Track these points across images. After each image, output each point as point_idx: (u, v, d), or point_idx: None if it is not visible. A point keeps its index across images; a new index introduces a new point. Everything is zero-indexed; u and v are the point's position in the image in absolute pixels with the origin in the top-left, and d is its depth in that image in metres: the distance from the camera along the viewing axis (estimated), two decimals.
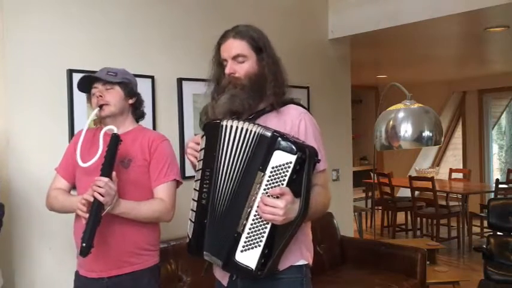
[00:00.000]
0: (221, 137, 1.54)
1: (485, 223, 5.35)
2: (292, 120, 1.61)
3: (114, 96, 2.01)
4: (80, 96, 2.60)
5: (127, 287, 1.98)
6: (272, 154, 1.42)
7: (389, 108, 2.47)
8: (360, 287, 3.37)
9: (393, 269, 3.54)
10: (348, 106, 4.54)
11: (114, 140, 1.87)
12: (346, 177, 4.43)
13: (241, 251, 1.45)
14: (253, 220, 1.44)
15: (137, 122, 2.15)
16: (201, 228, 1.57)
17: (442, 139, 2.43)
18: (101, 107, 1.99)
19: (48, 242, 2.58)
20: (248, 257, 1.44)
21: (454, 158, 8.93)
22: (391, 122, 2.38)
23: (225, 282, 1.65)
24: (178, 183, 2.07)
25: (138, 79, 2.20)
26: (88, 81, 2.04)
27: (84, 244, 1.74)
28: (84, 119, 2.56)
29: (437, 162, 8.99)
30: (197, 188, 1.60)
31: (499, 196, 6.02)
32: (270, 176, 1.42)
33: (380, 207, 7.00)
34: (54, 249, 2.58)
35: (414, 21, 3.64)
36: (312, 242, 1.72)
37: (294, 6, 3.93)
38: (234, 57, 1.62)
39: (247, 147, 1.48)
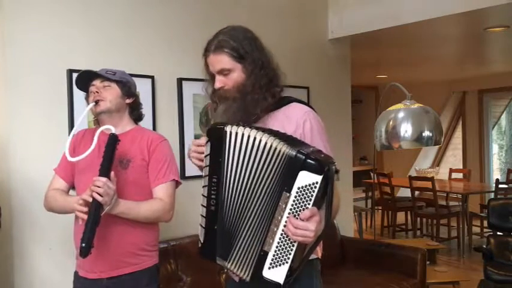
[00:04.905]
0: (226, 143, 1.51)
1: (485, 223, 5.37)
2: (297, 120, 1.60)
3: (111, 93, 2.00)
4: (80, 97, 2.60)
5: (126, 287, 1.97)
6: (297, 174, 1.38)
7: (389, 108, 2.46)
8: (360, 287, 3.37)
9: (393, 269, 3.54)
10: (348, 106, 4.54)
11: (112, 140, 1.85)
12: (346, 177, 4.43)
13: (269, 268, 1.46)
14: (280, 240, 1.44)
15: (135, 123, 2.13)
16: (212, 234, 1.58)
17: (442, 139, 2.43)
18: (96, 102, 1.97)
19: (48, 242, 2.58)
20: (276, 273, 1.45)
21: (454, 158, 8.92)
22: (391, 122, 2.38)
23: (236, 278, 1.64)
24: (177, 184, 2.06)
25: (138, 79, 2.20)
26: (86, 78, 2.03)
27: (83, 244, 1.73)
28: (85, 119, 2.55)
29: (437, 162, 8.98)
30: (205, 195, 1.57)
31: (499, 196, 6.02)
32: (296, 197, 1.40)
33: (380, 207, 7.00)
34: (55, 249, 2.58)
35: (414, 21, 3.64)
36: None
37: (293, 6, 3.93)
38: (219, 72, 1.61)
39: (264, 161, 1.45)
